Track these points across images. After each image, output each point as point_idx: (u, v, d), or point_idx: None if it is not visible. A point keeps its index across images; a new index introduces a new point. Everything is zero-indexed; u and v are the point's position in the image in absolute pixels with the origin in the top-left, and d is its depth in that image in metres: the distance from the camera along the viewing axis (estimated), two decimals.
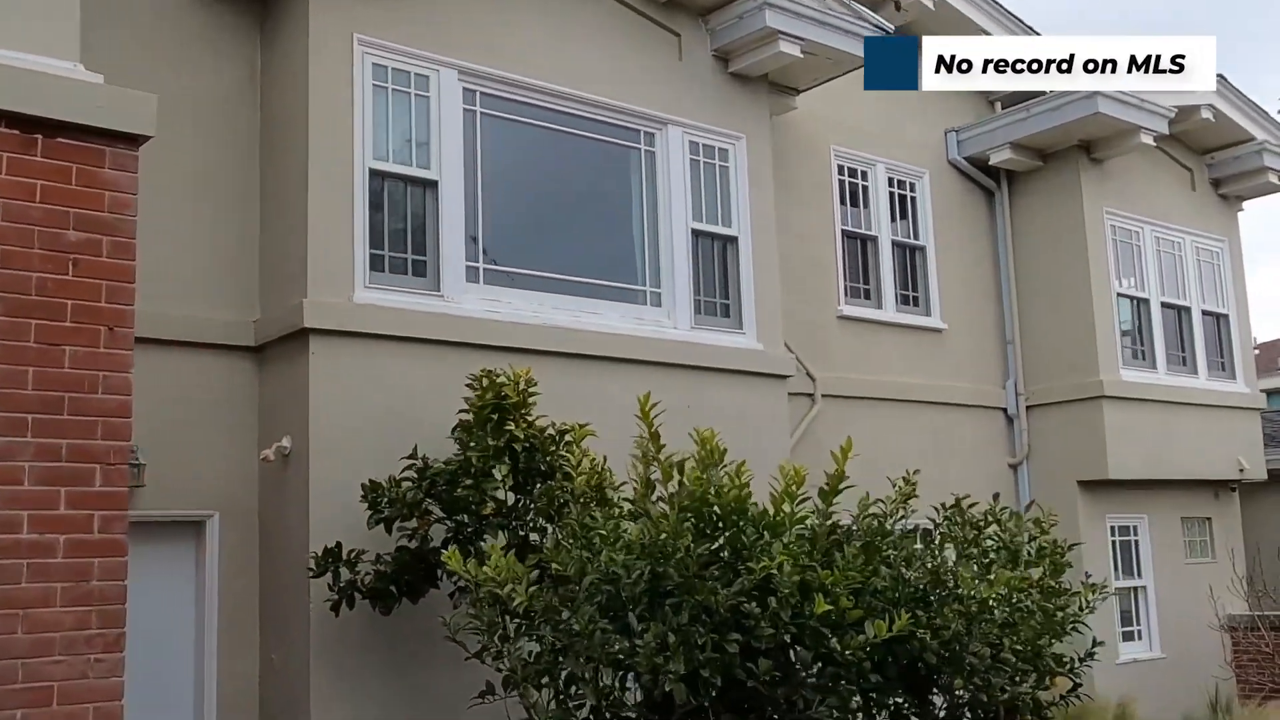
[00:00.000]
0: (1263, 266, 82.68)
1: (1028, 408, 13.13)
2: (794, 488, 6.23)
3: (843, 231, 12.00)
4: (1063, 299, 12.93)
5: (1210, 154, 14.36)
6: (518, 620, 6.27)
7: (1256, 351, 30.53)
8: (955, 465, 12.53)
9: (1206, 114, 13.40)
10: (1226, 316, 14.46)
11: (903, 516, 7.54)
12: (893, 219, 12.54)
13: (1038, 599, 7.32)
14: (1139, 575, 13.25)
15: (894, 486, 7.63)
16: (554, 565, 5.97)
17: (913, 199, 12.79)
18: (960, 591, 6.67)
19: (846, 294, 11.95)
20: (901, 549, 6.78)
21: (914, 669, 6.71)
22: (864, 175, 12.32)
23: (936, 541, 7.46)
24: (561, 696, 6.03)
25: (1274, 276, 76.19)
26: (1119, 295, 13.13)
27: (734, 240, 10.08)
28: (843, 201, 12.10)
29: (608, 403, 8.17)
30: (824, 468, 10.73)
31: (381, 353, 7.91)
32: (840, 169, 12.13)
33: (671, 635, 5.45)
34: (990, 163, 13.05)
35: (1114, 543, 13.07)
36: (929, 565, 6.75)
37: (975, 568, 7.30)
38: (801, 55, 10.07)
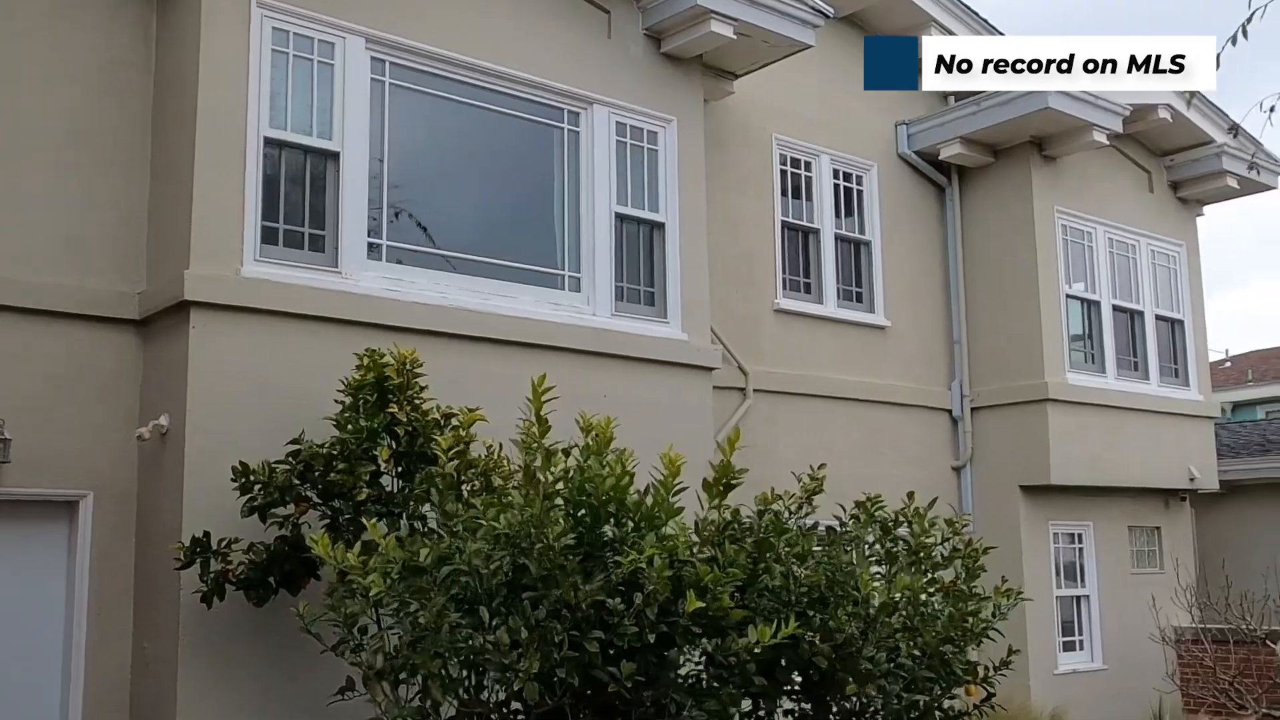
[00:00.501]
0: (1256, 278, 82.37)
1: (973, 409, 12.83)
2: (673, 478, 5.90)
3: (783, 223, 11.69)
4: (1011, 299, 12.64)
5: (1169, 156, 14.08)
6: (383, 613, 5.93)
7: (1228, 364, 30.35)
8: (896, 466, 12.22)
9: (1164, 114, 13.11)
10: (1182, 322, 14.17)
11: (808, 513, 7.23)
12: (837, 212, 12.22)
13: (945, 603, 7.01)
14: (1082, 584, 12.96)
15: (798, 481, 7.33)
16: (406, 555, 5.63)
17: (859, 192, 12.47)
18: (857, 593, 6.36)
19: (785, 287, 11.64)
20: (796, 546, 6.44)
21: (809, 673, 6.40)
22: (807, 166, 12.00)
23: (841, 541, 7.11)
24: (422, 694, 5.69)
25: (1262, 289, 75.81)
26: (1068, 296, 12.83)
27: (661, 226, 9.74)
28: (784, 192, 11.79)
29: (517, 389, 7.79)
30: (754, 464, 10.45)
31: (271, 330, 7.55)
32: (783, 159, 11.81)
33: (525, 631, 5.10)
34: (940, 157, 12.74)
35: (1057, 550, 12.77)
36: (824, 564, 6.41)
37: (880, 569, 6.99)
38: (735, 37, 9.74)
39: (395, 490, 6.81)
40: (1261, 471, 15.90)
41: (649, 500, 5.86)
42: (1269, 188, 14.47)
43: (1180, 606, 13.37)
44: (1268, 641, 12.07)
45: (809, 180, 12.03)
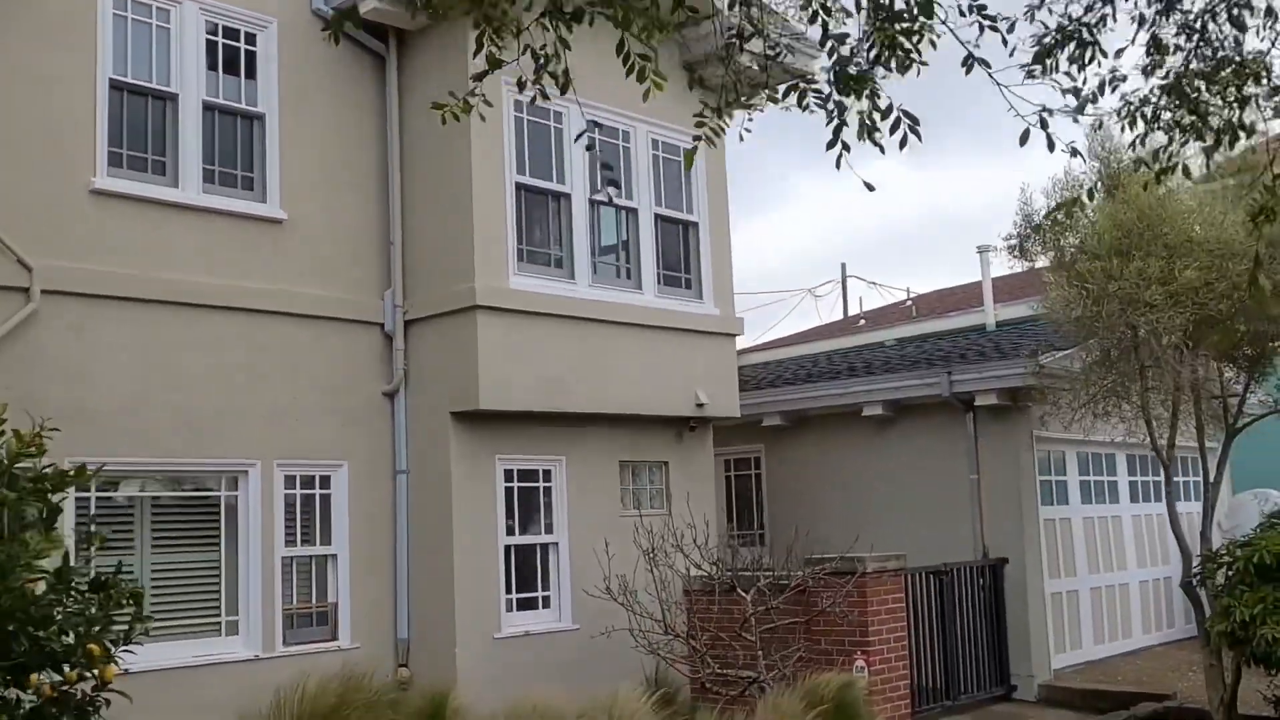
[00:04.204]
0: None
1: (407, 323, 10.82)
2: None
3: (111, 81, 9.37)
4: (448, 189, 10.65)
5: (679, 30, 12.26)
6: None
7: (909, 303, 29.55)
8: (302, 394, 10.24)
9: None
10: (696, 225, 12.47)
11: None
12: (213, 77, 9.98)
13: None
14: (548, 530, 11.12)
15: None
16: None
17: (250, 53, 10.27)
18: None
19: (114, 162, 9.35)
20: None
21: None
22: (157, 14, 9.70)
23: None
24: None
25: None
26: (524, 188, 10.92)
27: None
28: (121, 46, 9.46)
29: None
30: (48, 387, 8.13)
31: None
32: (119, 3, 9.48)
33: None
34: (362, 13, 10.63)
35: (511, 490, 10.89)
36: None
37: None
38: None
39: None
40: (824, 400, 14.45)
41: None
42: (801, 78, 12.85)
43: (690, 555, 11.66)
44: (737, 590, 10.46)
45: (165, 33, 9.73)
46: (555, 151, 11.25)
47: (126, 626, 5.70)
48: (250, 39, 10.29)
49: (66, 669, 5.53)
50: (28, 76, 8.95)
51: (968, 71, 4.72)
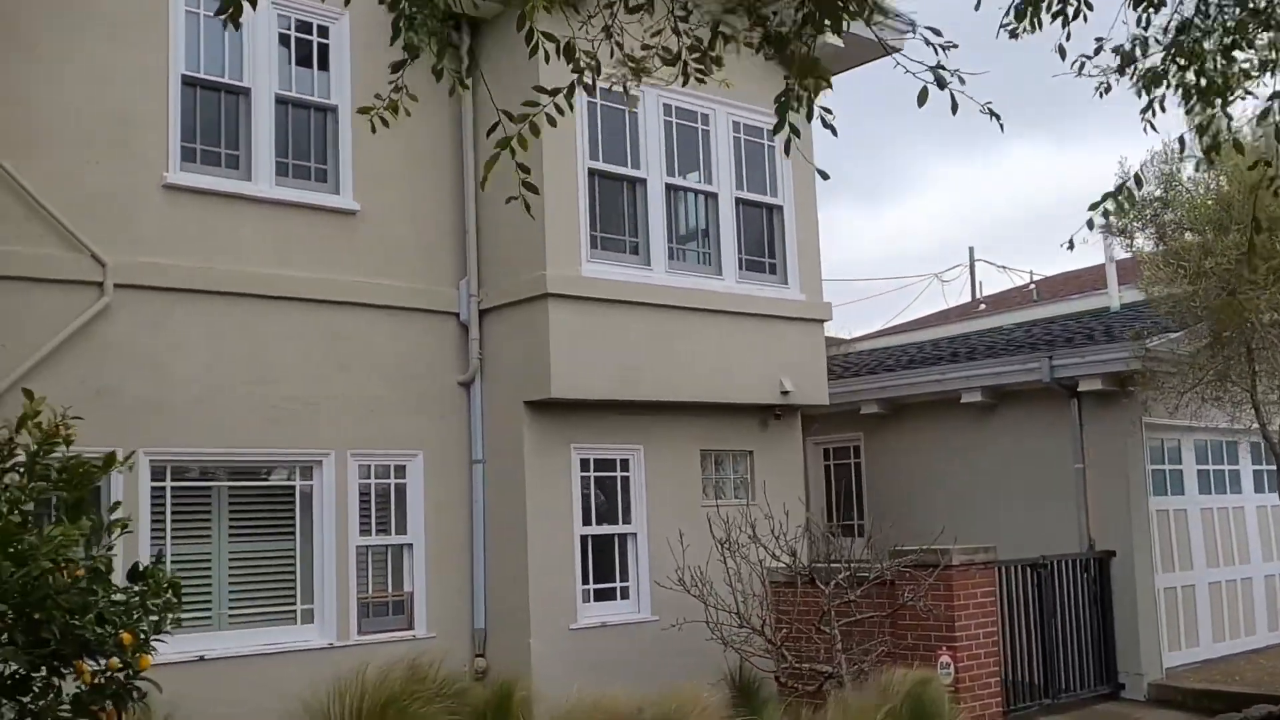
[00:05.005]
0: None
1: (481, 312, 10.82)
2: None
3: (184, 77, 9.55)
4: (520, 177, 10.58)
5: (760, 2, 12.03)
6: None
7: (1031, 286, 28.64)
8: (377, 384, 10.35)
9: None
10: (780, 208, 12.21)
11: None
12: (287, 70, 10.12)
13: None
14: (626, 520, 11.02)
15: None
16: None
17: (323, 46, 10.39)
18: None
19: (186, 157, 9.54)
20: None
21: None
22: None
23: None
24: None
25: None
26: (597, 173, 10.81)
27: None
28: (194, 42, 9.64)
29: None
30: (128, 379, 8.35)
31: None
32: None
33: None
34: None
35: (588, 479, 10.81)
36: None
37: None
38: None
39: None
40: (922, 387, 14.05)
41: None
42: (890, 50, 12.48)
43: (768, 545, 11.44)
44: (815, 581, 10.22)
45: (238, 29, 9.85)
46: (629, 137, 11.13)
47: (158, 616, 5.77)
48: (323, 32, 10.39)
49: (101, 658, 5.61)
50: (101, 73, 9.16)
51: (868, 22, 4.49)
